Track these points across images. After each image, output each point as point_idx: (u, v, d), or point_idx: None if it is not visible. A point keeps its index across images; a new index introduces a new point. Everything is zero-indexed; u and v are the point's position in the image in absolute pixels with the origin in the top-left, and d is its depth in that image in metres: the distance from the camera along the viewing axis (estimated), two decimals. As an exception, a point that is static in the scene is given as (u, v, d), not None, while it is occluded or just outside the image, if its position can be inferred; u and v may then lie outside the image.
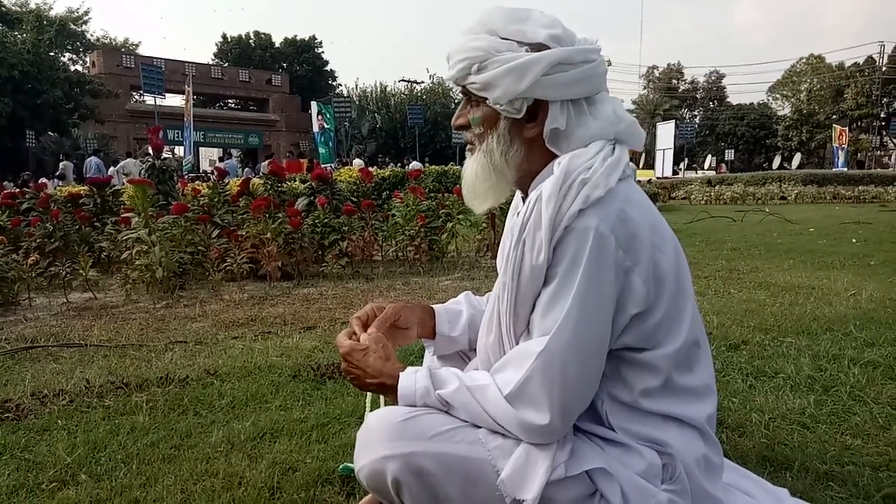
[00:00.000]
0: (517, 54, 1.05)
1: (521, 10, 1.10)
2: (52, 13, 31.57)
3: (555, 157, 1.10)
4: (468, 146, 1.18)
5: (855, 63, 44.65)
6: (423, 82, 40.65)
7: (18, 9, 29.89)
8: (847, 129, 29.20)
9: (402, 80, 40.67)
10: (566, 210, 1.00)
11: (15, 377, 2.58)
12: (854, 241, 6.73)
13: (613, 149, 1.09)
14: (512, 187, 1.17)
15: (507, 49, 1.06)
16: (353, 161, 20.11)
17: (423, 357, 1.44)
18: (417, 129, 24.80)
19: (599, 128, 1.10)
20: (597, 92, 1.11)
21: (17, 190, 7.91)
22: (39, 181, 12.08)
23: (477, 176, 1.14)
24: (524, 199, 1.14)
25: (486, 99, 1.09)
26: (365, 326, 1.24)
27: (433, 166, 13.50)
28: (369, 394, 1.32)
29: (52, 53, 29.43)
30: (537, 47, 1.06)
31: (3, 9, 26.55)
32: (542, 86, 1.05)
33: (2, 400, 2.25)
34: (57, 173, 16.85)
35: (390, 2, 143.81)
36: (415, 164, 16.44)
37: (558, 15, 1.12)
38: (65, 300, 4.35)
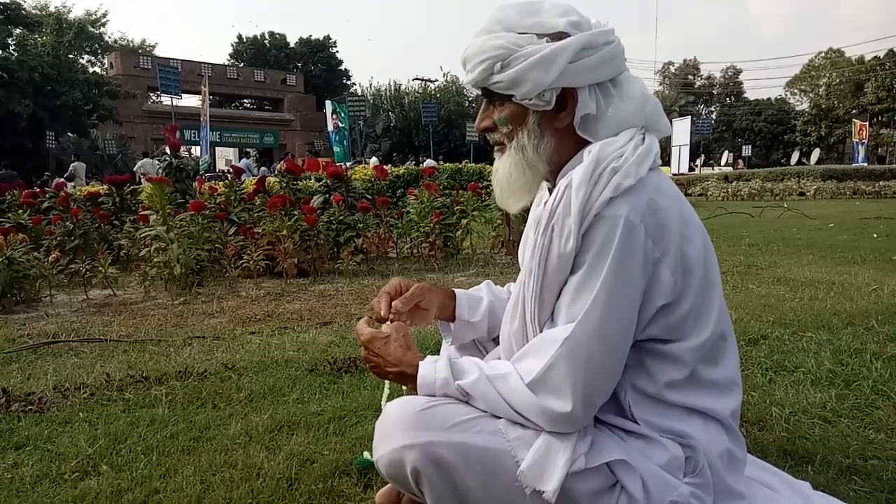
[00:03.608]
0: (540, 46, 1.03)
1: (533, 3, 1.09)
2: (71, 16, 31.98)
3: (583, 144, 1.09)
4: (496, 147, 1.16)
5: (875, 57, 43.94)
6: (436, 80, 40.56)
7: (38, 12, 30.31)
8: (867, 123, 28.70)
9: (416, 79, 40.69)
10: (596, 198, 0.99)
11: (37, 371, 2.62)
12: (875, 236, 6.62)
13: (644, 138, 1.09)
14: (544, 181, 1.16)
15: (528, 43, 1.04)
16: (370, 159, 20.19)
17: (439, 351, 1.44)
18: (432, 127, 24.82)
19: (629, 110, 1.09)
20: (620, 72, 1.10)
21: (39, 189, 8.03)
22: (57, 181, 12.22)
23: (511, 174, 1.13)
24: (550, 190, 1.13)
25: (512, 96, 1.08)
26: (391, 301, 1.25)
27: (447, 164, 13.52)
28: (386, 386, 1.32)
29: (71, 56, 29.80)
30: (557, 36, 1.05)
31: (24, 12, 26.91)
32: (570, 73, 1.04)
33: (25, 393, 2.29)
34: (66, 175, 16.95)
35: (404, 1, 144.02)
36: (429, 162, 16.47)
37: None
38: (85, 297, 4.41)
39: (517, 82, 1.05)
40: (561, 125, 1.09)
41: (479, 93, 1.14)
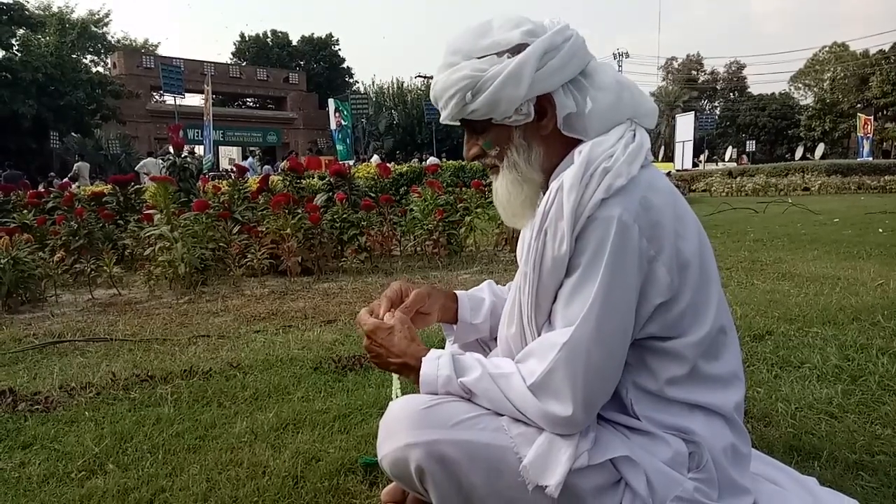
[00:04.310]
0: (503, 64, 1.03)
1: (482, 24, 1.09)
2: (74, 16, 32.07)
3: (573, 144, 1.08)
4: (491, 169, 1.16)
5: (880, 50, 43.66)
6: (439, 78, 40.45)
7: (41, 12, 30.39)
8: (872, 118, 28.56)
9: (419, 76, 40.61)
10: (588, 199, 0.99)
11: (43, 371, 2.63)
12: (881, 230, 6.60)
13: (634, 134, 1.08)
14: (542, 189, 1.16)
15: (490, 65, 1.04)
16: (371, 158, 20.18)
17: (443, 347, 1.44)
18: (434, 124, 24.78)
19: (608, 100, 1.08)
20: (587, 63, 1.10)
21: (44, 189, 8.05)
22: (62, 181, 12.27)
23: (510, 193, 1.12)
24: (544, 191, 1.13)
25: (491, 119, 1.08)
26: (392, 306, 1.24)
27: (450, 161, 13.52)
28: (395, 382, 1.32)
29: (74, 56, 29.91)
30: (516, 49, 1.05)
31: (27, 13, 26.97)
32: (539, 81, 1.04)
33: (31, 393, 2.30)
34: (70, 175, 17.05)
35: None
36: (432, 160, 16.46)
37: (576, 8, 1.11)
38: (90, 296, 4.42)
39: (492, 105, 1.05)
40: (546, 131, 1.09)
41: (459, 124, 1.14)
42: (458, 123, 1.13)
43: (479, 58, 1.06)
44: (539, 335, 1.06)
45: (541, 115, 1.08)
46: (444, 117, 1.12)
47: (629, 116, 1.11)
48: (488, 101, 1.05)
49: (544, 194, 1.09)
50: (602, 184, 0.99)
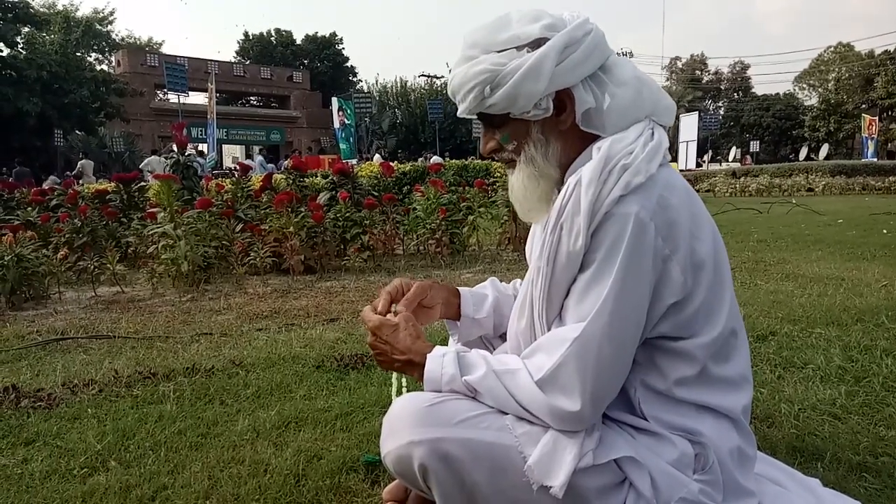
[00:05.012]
0: (523, 59, 1.02)
1: (501, 18, 1.08)
2: (79, 14, 32.16)
3: (590, 139, 1.08)
4: (507, 164, 1.15)
5: (886, 51, 43.50)
6: (442, 77, 40.48)
7: (46, 10, 30.48)
8: (877, 118, 28.41)
9: (422, 76, 40.61)
10: (606, 195, 0.98)
11: (46, 368, 2.64)
12: (885, 231, 6.57)
13: (653, 132, 1.07)
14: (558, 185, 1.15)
15: (510, 59, 1.03)
16: (374, 157, 20.18)
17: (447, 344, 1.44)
18: (438, 123, 24.77)
19: (628, 96, 1.07)
20: (607, 58, 1.09)
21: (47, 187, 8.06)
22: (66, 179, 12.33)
23: (526, 188, 1.12)
24: (559, 186, 1.12)
25: (509, 113, 1.07)
26: (392, 302, 1.24)
27: (453, 160, 13.53)
28: (394, 381, 1.31)
29: (78, 54, 29.99)
30: (536, 44, 1.04)
31: (32, 11, 27.05)
32: (559, 76, 1.03)
33: (34, 389, 2.30)
34: (74, 172, 17.15)
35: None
36: (436, 159, 16.46)
37: (577, 6, 1.10)
38: (93, 294, 4.43)
39: (511, 100, 1.04)
40: (564, 127, 1.08)
41: (476, 118, 1.13)
42: (475, 117, 1.13)
43: (498, 52, 1.05)
44: (549, 330, 1.05)
45: (559, 110, 1.07)
46: (462, 111, 1.11)
47: (647, 113, 1.10)
48: (507, 96, 1.04)
49: (559, 190, 1.08)
50: (620, 180, 0.99)
